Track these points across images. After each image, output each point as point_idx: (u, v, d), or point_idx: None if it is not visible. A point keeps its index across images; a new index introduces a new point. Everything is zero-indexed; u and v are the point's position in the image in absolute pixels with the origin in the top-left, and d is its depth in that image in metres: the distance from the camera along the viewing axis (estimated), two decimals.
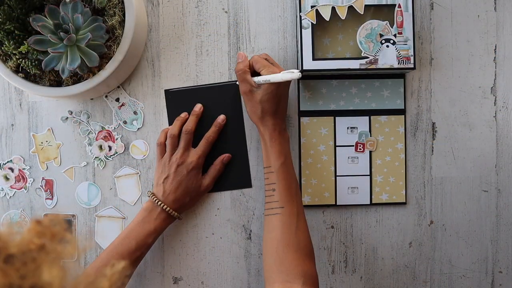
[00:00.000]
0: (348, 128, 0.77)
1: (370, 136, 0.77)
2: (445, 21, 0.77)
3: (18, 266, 0.33)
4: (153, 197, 0.72)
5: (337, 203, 0.77)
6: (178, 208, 0.73)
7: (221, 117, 0.76)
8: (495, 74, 0.78)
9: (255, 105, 0.69)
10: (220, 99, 0.76)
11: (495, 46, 0.78)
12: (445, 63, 0.77)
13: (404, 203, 0.77)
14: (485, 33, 0.77)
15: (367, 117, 0.77)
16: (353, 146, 0.77)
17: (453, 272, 0.78)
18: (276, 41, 0.77)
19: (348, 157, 0.77)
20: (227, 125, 0.76)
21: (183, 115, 0.75)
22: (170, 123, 0.76)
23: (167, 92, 0.77)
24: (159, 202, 0.71)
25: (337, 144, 0.77)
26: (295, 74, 0.63)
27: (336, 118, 0.77)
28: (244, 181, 0.76)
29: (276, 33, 0.77)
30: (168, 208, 0.71)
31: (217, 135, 0.75)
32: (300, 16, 0.71)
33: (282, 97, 0.70)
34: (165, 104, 0.77)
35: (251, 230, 0.77)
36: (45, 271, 0.33)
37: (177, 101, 0.77)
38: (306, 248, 0.67)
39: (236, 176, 0.77)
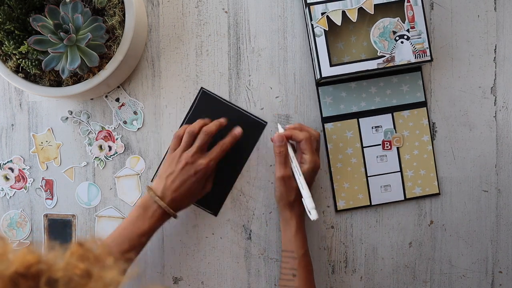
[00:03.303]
0: (372, 127, 0.77)
1: (395, 132, 0.77)
2: (445, 21, 0.77)
3: None
4: (150, 192, 0.68)
5: (372, 203, 0.77)
6: (174, 208, 0.69)
7: (238, 130, 0.73)
8: (495, 74, 0.78)
9: (291, 190, 0.69)
10: (244, 127, 0.74)
11: (495, 46, 0.78)
12: (445, 63, 0.77)
13: (438, 194, 0.77)
14: (485, 33, 0.77)
15: (390, 114, 0.77)
16: (380, 145, 0.77)
17: (453, 272, 0.78)
18: (276, 41, 0.77)
19: (377, 156, 0.77)
20: (230, 153, 0.73)
21: (207, 119, 0.73)
22: (190, 119, 0.75)
23: (203, 91, 0.76)
24: (156, 198, 0.68)
25: (364, 145, 0.77)
26: (312, 216, 0.66)
27: (360, 119, 0.77)
28: (213, 207, 0.77)
29: (276, 33, 0.77)
30: (164, 206, 0.67)
31: (230, 146, 0.72)
32: (312, 25, 0.71)
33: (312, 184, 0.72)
34: (165, 104, 0.77)
35: (251, 230, 0.77)
36: None
37: (207, 104, 0.76)
38: None
39: (210, 198, 0.76)
